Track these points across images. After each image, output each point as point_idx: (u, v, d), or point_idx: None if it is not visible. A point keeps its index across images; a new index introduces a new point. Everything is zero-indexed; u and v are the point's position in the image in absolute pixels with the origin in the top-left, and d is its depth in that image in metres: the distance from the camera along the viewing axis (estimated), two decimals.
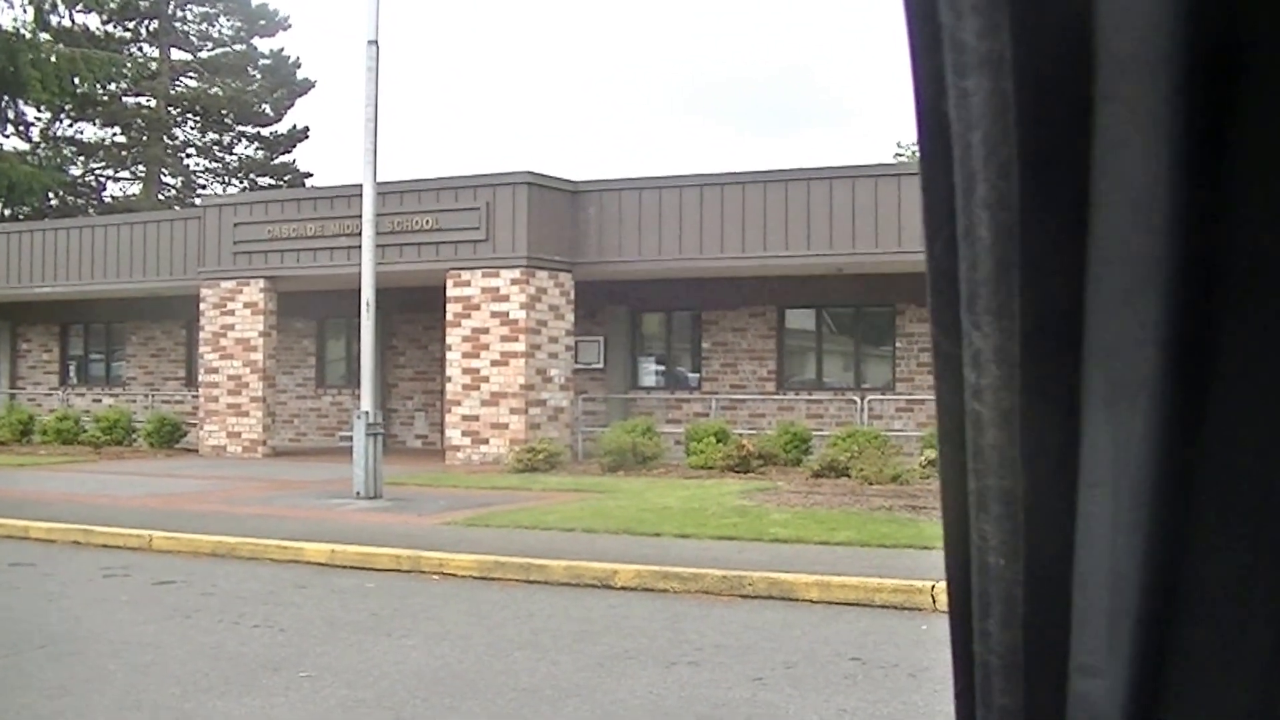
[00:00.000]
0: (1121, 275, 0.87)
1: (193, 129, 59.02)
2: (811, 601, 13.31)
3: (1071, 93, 0.84)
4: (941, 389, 0.96)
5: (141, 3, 55.89)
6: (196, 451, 32.91)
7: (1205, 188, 0.83)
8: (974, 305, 0.89)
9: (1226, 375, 0.88)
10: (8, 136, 53.04)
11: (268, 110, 58.66)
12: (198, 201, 42.71)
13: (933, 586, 12.96)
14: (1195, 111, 0.81)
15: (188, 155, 59.97)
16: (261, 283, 31.57)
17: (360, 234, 22.39)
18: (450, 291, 28.64)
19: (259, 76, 58.27)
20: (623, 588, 14.19)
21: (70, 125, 56.73)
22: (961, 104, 0.85)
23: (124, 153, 58.18)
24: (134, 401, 38.47)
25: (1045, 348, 0.90)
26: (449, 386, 29.01)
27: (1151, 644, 0.93)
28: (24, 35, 46.80)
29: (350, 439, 22.45)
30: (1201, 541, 0.92)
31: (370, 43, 22.06)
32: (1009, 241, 0.87)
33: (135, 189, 58.61)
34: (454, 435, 28.89)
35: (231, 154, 59.94)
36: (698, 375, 31.88)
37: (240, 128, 58.90)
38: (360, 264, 22.14)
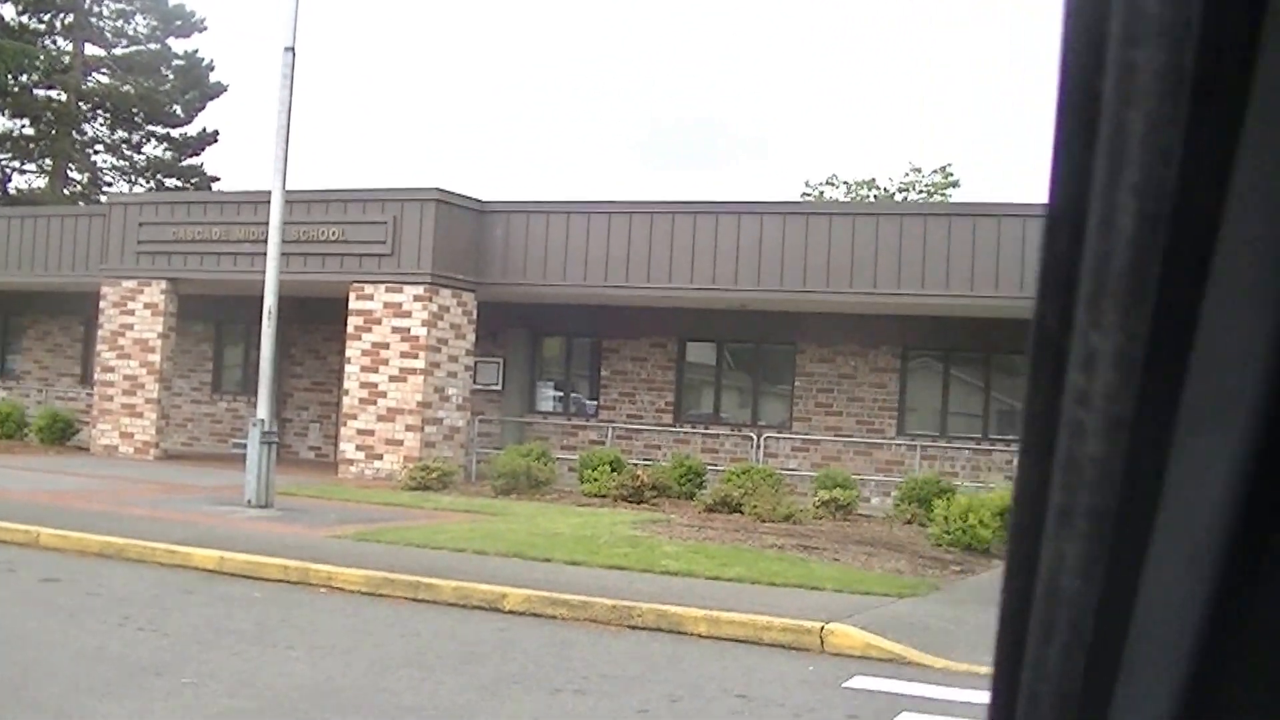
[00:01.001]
0: (1243, 282, 0.80)
1: (102, 125, 58.27)
2: (700, 636, 13.26)
3: (1241, 77, 0.77)
4: (1034, 394, 0.90)
5: None
6: (88, 450, 32.35)
7: None
8: (1099, 301, 0.82)
9: None
10: None
11: (178, 111, 58.01)
12: (103, 199, 42.19)
13: (821, 628, 12.96)
14: None
15: (96, 151, 59.19)
16: (163, 284, 31.12)
17: (265, 241, 22.17)
18: (352, 304, 28.41)
19: (172, 77, 57.62)
20: (511, 611, 14.08)
21: None
22: (1125, 78, 0.77)
23: (31, 145, 57.35)
24: (27, 396, 37.84)
25: (1163, 354, 0.83)
26: (345, 400, 28.76)
27: (1202, 685, 0.88)
28: None
29: (244, 446, 22.21)
30: (1269, 583, 0.87)
31: (287, 49, 21.86)
32: (1154, 234, 0.80)
33: (41, 182, 57.79)
34: (348, 449, 28.63)
35: (140, 153, 59.19)
36: (595, 403, 31.83)
37: (150, 127, 58.19)
38: (264, 271, 21.92)
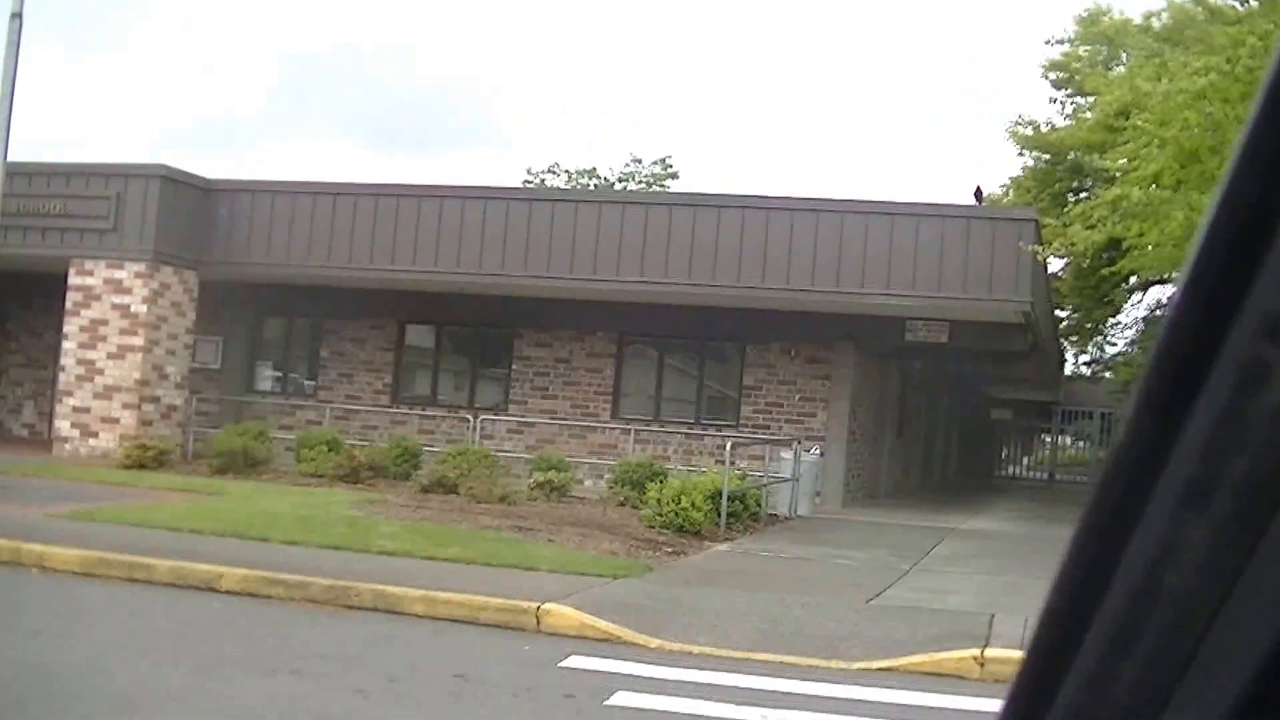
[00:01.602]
0: None
1: None
2: (417, 616, 13.16)
3: None
4: (1182, 320, 0.72)
5: None
6: None
7: None
8: None
9: None
10: None
11: None
12: None
13: (538, 608, 12.98)
14: None
15: None
16: None
17: None
18: (72, 280, 27.48)
19: None
20: (228, 591, 13.77)
21: None
22: None
23: None
24: None
25: None
26: (62, 377, 27.83)
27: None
28: None
29: None
30: None
31: (14, 16, 21.01)
32: None
33: None
34: (63, 426, 27.71)
35: None
36: (314, 383, 31.39)
37: None
38: None
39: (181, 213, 27.61)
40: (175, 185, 27.59)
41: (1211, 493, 0.68)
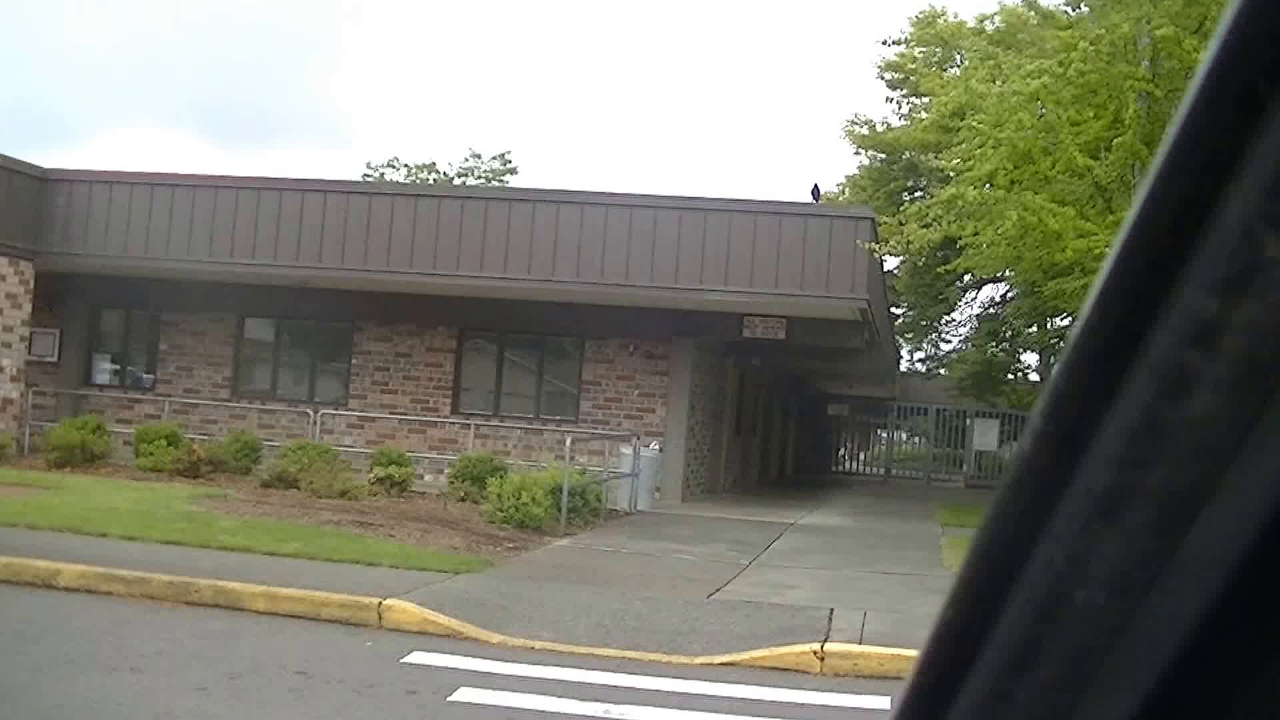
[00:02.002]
0: None
1: None
2: (259, 612, 13.04)
3: None
4: (1098, 324, 0.69)
5: None
6: None
7: None
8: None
9: None
10: None
11: None
12: None
13: (379, 604, 12.94)
14: None
15: None
16: None
17: None
18: None
19: None
20: (66, 588, 13.52)
21: None
22: None
23: None
24: None
25: None
26: None
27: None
28: None
29: None
30: None
31: None
32: None
33: None
34: None
35: None
36: (153, 377, 30.91)
37: None
38: None
39: (16, 202, 26.97)
40: (9, 174, 26.92)
41: (1126, 504, 0.66)
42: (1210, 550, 0.68)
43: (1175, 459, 0.64)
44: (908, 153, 45.89)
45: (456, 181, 58.64)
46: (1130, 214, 0.68)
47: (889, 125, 50.72)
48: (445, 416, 28.92)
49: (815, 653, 12.01)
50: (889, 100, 51.52)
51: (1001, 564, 0.73)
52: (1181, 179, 0.65)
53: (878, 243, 24.55)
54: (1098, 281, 0.69)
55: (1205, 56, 0.67)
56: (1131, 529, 0.66)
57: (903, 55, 49.39)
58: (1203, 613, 0.70)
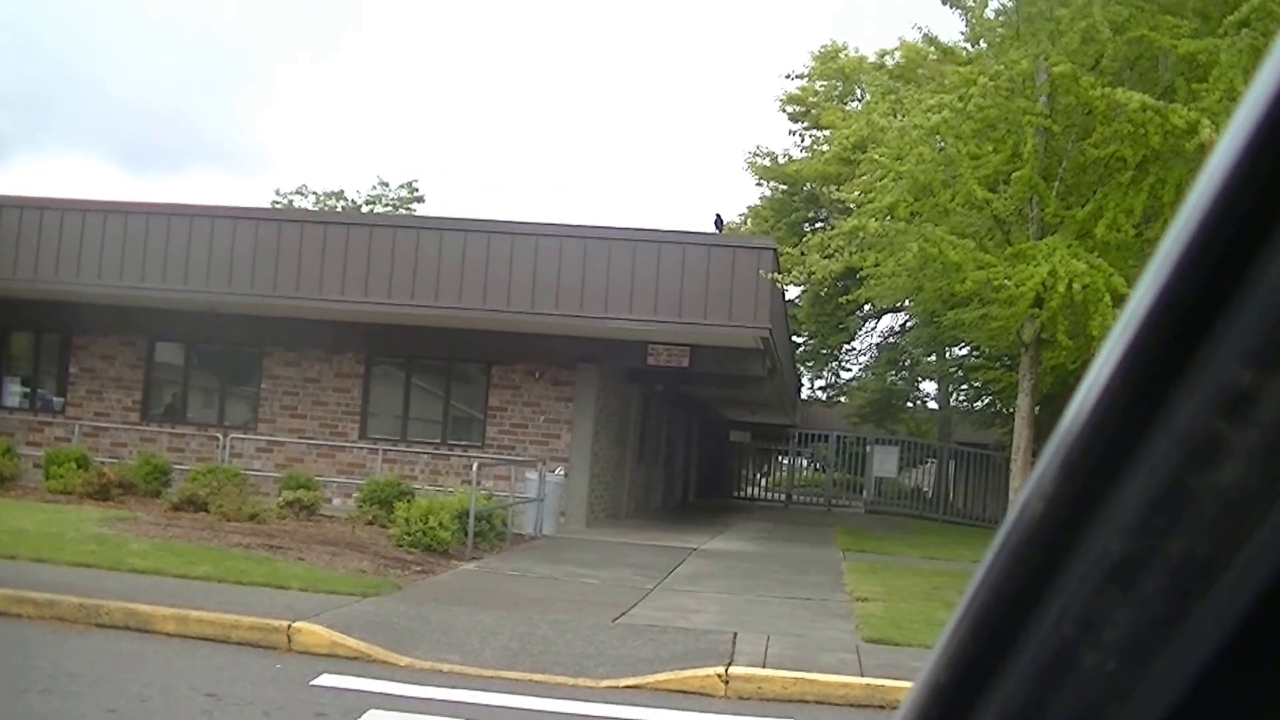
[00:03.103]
0: None
1: None
2: (169, 634, 12.96)
3: None
4: (1112, 396, 0.67)
5: None
6: None
7: None
8: None
9: None
10: None
11: None
12: None
13: (289, 626, 12.91)
14: None
15: None
16: None
17: None
18: None
19: None
20: None
21: None
22: None
23: None
24: None
25: None
26: None
27: None
28: None
29: None
30: None
31: None
32: None
33: None
34: None
35: None
36: (63, 400, 30.59)
37: None
38: None
39: None
40: None
41: (1142, 571, 0.66)
42: (1221, 614, 0.67)
43: (1198, 528, 0.63)
44: (809, 184, 46.29)
45: (364, 209, 58.46)
46: (1156, 274, 0.66)
47: (790, 157, 51.20)
48: (353, 441, 28.83)
49: (720, 676, 12.11)
50: (791, 133, 52.07)
51: (1003, 627, 0.73)
52: (1215, 241, 0.63)
53: (780, 273, 24.73)
54: (1119, 343, 0.67)
55: (1245, 109, 0.65)
56: (1148, 596, 0.66)
57: (804, 89, 49.91)
58: (1208, 673, 0.69)
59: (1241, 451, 0.60)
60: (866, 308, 42.08)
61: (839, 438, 49.50)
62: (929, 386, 54.00)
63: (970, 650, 0.74)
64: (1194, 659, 0.68)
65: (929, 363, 49.52)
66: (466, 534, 20.78)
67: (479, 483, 22.18)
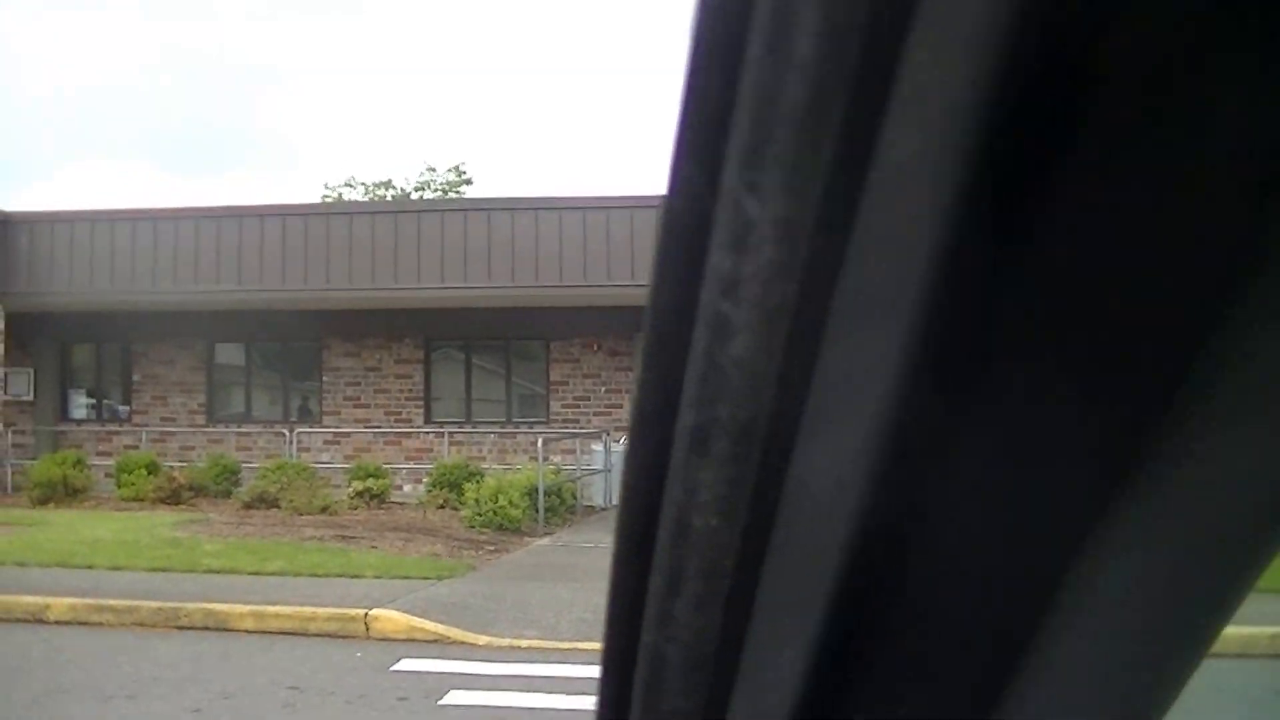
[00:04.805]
0: (919, 152, 0.65)
1: None
2: (247, 631, 13.05)
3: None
4: (663, 291, 0.75)
5: None
6: None
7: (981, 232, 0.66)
8: (759, 157, 0.65)
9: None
10: None
11: None
12: None
13: (365, 614, 12.96)
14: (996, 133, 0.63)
15: None
16: None
17: None
18: None
19: None
20: (57, 622, 13.50)
21: None
22: None
23: None
24: None
25: (826, 229, 0.67)
26: None
27: (835, 638, 0.76)
28: None
29: None
30: (936, 513, 0.75)
31: None
32: (838, 62, 0.62)
33: None
34: None
35: None
36: (128, 408, 30.80)
37: None
38: None
39: None
40: None
41: (709, 438, 0.72)
42: (775, 470, 0.74)
43: (733, 395, 0.70)
44: None
45: (413, 196, 58.51)
46: (663, 200, 0.74)
47: None
48: (419, 426, 28.91)
49: None
50: None
51: (644, 497, 0.79)
52: (694, 160, 0.70)
53: None
54: (656, 252, 0.75)
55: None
56: (721, 458, 0.72)
57: None
58: (779, 521, 0.76)
59: (742, 326, 0.68)
60: None
61: None
62: None
63: (629, 521, 0.82)
64: (766, 509, 0.75)
65: None
66: (537, 510, 20.80)
67: (546, 458, 22.18)
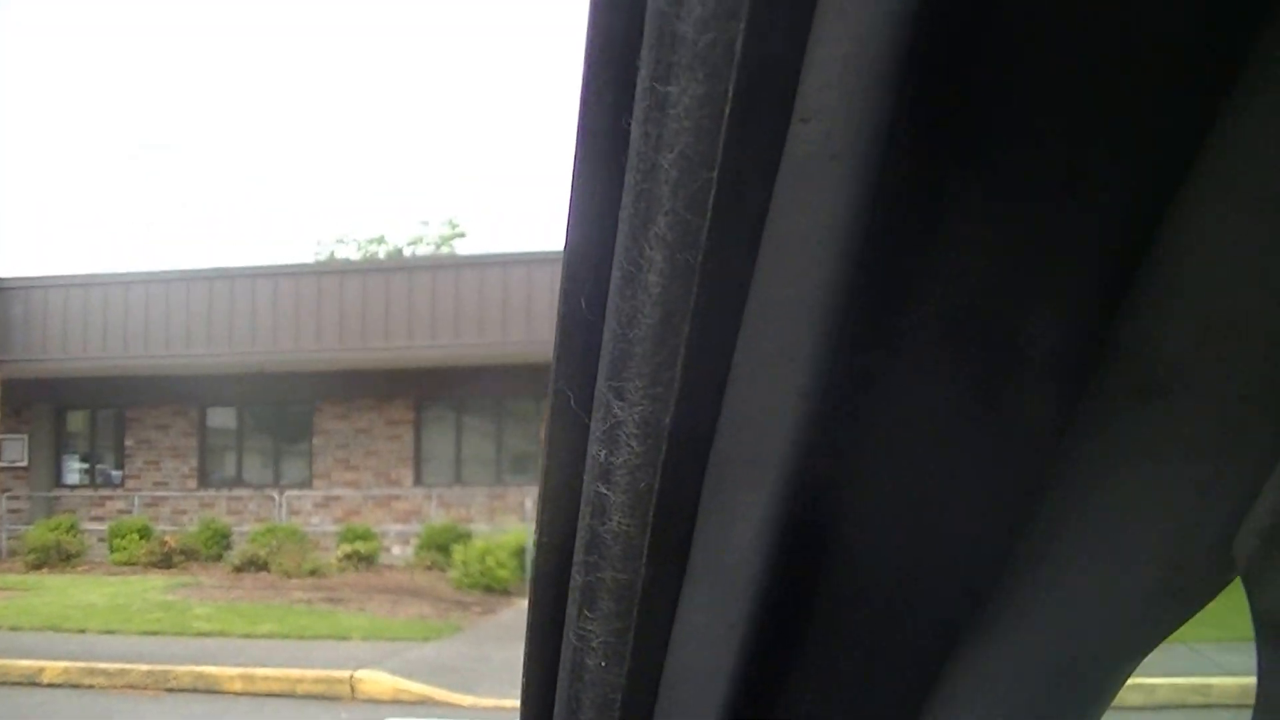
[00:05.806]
0: (774, 340, 0.71)
1: None
2: (237, 693, 13.26)
3: (778, 104, 0.65)
4: (553, 474, 0.86)
5: None
6: None
7: (894, 245, 0.70)
8: (622, 369, 0.73)
9: (857, 469, 0.79)
10: None
11: None
12: None
13: (351, 676, 13.18)
14: (903, 143, 0.65)
15: None
16: None
17: None
18: None
19: None
20: (50, 684, 13.74)
21: None
22: (655, 116, 0.66)
23: None
24: None
25: (691, 420, 0.74)
26: None
27: (758, 646, 0.84)
28: None
29: None
30: (802, 655, 0.86)
31: None
32: (684, 289, 0.69)
33: None
34: None
35: None
36: (121, 473, 30.97)
37: None
38: None
39: None
40: None
41: (596, 595, 0.84)
42: (658, 626, 0.87)
43: (613, 561, 0.82)
44: None
45: (406, 251, 58.62)
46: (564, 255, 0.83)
47: None
48: (408, 488, 29.01)
49: None
50: None
51: (541, 638, 0.97)
52: (564, 371, 0.86)
53: None
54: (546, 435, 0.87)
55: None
56: (605, 613, 0.85)
57: None
58: (668, 664, 0.89)
59: (616, 507, 0.79)
60: None
61: None
62: None
63: (535, 664, 1.01)
64: (654, 655, 0.88)
65: None
66: (525, 570, 20.92)
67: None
